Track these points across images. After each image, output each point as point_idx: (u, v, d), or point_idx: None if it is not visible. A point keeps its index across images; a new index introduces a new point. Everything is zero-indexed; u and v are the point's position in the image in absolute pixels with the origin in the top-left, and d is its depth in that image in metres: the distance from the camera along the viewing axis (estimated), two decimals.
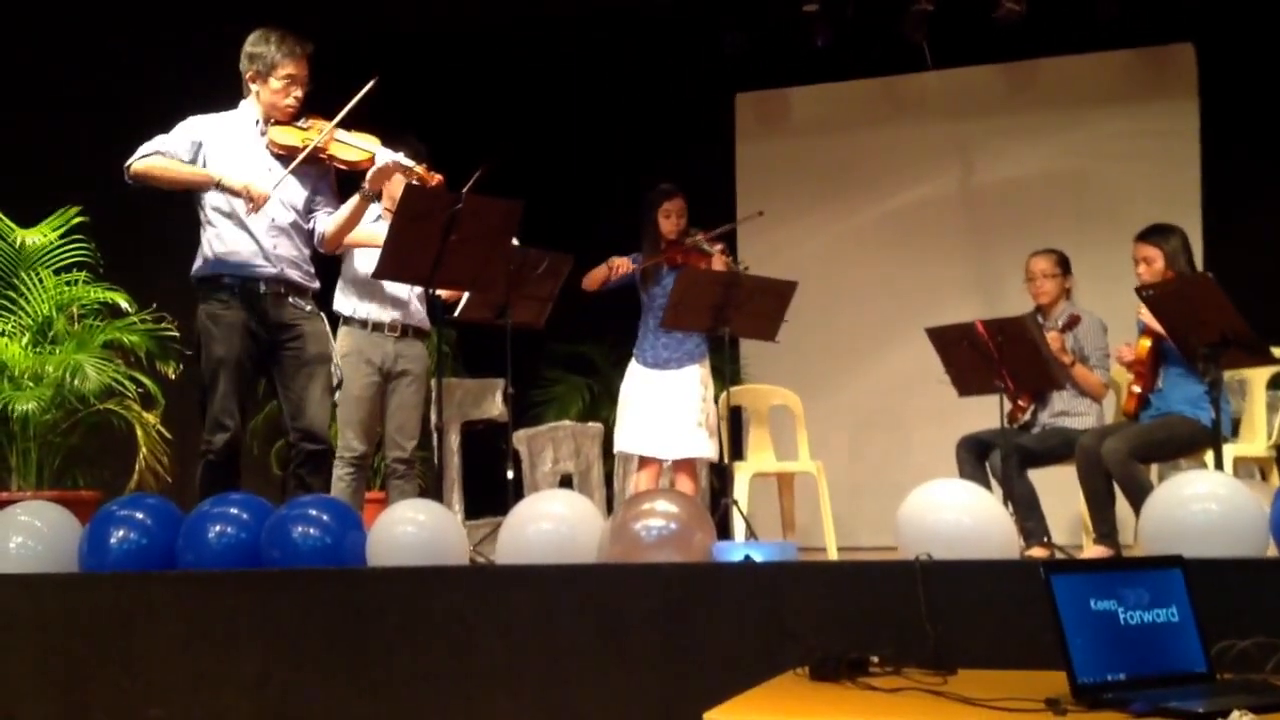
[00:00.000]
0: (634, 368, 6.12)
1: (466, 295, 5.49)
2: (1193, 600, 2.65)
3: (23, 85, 6.30)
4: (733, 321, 5.72)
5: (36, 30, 6.39)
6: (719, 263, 5.91)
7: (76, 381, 5.68)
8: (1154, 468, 5.57)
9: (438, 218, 4.60)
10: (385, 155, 4.73)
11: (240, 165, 4.69)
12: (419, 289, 5.47)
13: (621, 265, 5.97)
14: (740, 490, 6.18)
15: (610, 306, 6.33)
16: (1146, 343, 5.25)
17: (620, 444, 6.18)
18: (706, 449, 5.98)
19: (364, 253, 5.33)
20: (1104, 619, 2.57)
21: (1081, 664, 2.50)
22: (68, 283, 5.90)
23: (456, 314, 5.57)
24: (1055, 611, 2.53)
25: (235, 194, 4.60)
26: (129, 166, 4.60)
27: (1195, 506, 3.27)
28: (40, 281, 5.85)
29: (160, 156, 4.64)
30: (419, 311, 5.53)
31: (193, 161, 4.70)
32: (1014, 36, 7.99)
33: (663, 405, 5.96)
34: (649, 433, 5.99)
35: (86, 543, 4.16)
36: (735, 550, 3.72)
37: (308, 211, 4.83)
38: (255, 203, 4.59)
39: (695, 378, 6.02)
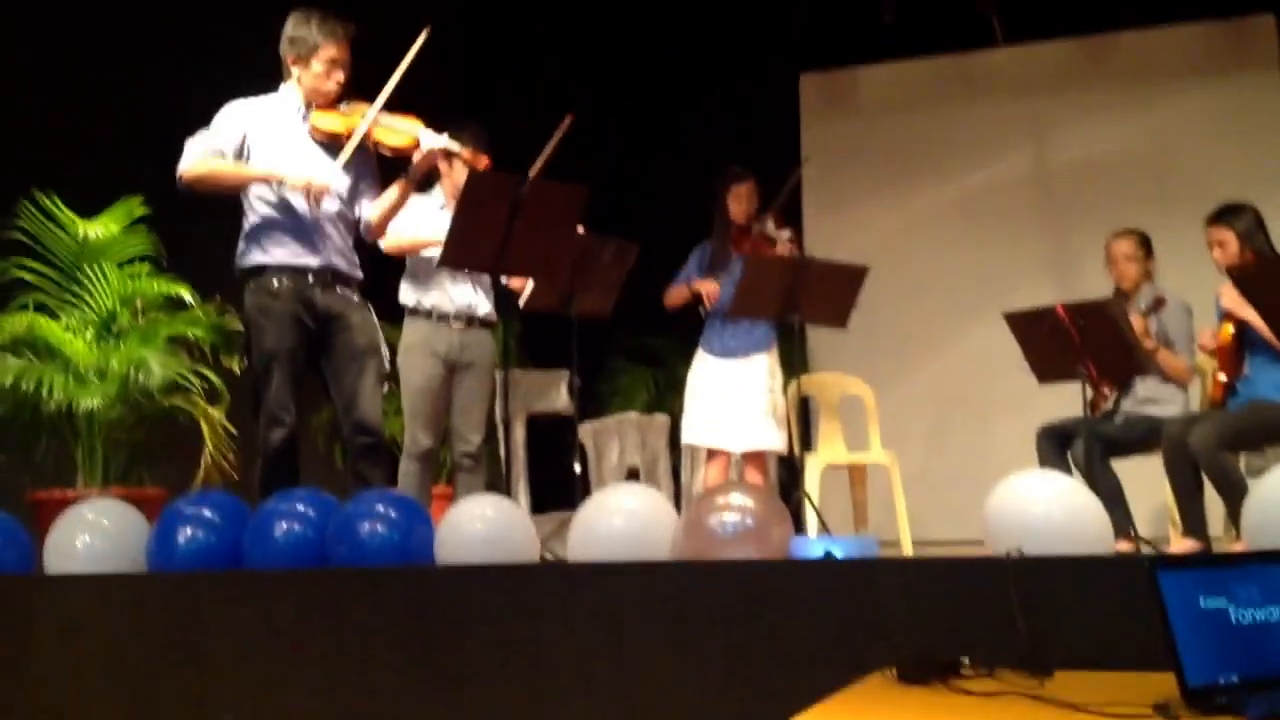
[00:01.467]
0: (701, 357, 6.01)
1: (531, 284, 5.41)
2: None
3: (83, 76, 6.28)
4: (802, 308, 5.58)
5: (96, 22, 6.37)
6: (784, 249, 5.78)
7: (141, 377, 5.64)
8: (1241, 457, 5.37)
9: (502, 203, 4.51)
10: (430, 139, 4.63)
11: (284, 153, 4.61)
12: (485, 278, 5.39)
13: (712, 292, 5.85)
14: (811, 482, 6.05)
15: None
16: (1229, 328, 5.07)
17: (687, 436, 6.07)
18: (775, 440, 5.86)
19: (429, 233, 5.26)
20: (1214, 618, 2.43)
21: (1192, 666, 2.36)
22: (131, 276, 5.86)
23: (521, 304, 5.49)
24: (1163, 610, 2.39)
25: (297, 190, 4.53)
26: (181, 175, 4.53)
27: None
28: (103, 274, 5.81)
29: (212, 159, 4.56)
30: (485, 302, 5.44)
31: (239, 154, 4.62)
32: (1087, 8, 7.83)
33: (731, 396, 5.85)
34: (717, 424, 5.88)
35: (154, 541, 4.11)
36: (815, 546, 3.60)
37: (352, 200, 4.75)
38: (317, 197, 4.52)
39: (764, 367, 5.89)
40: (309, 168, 4.57)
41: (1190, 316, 5.48)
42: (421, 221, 5.32)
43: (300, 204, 4.58)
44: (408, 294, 5.44)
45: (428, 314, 5.37)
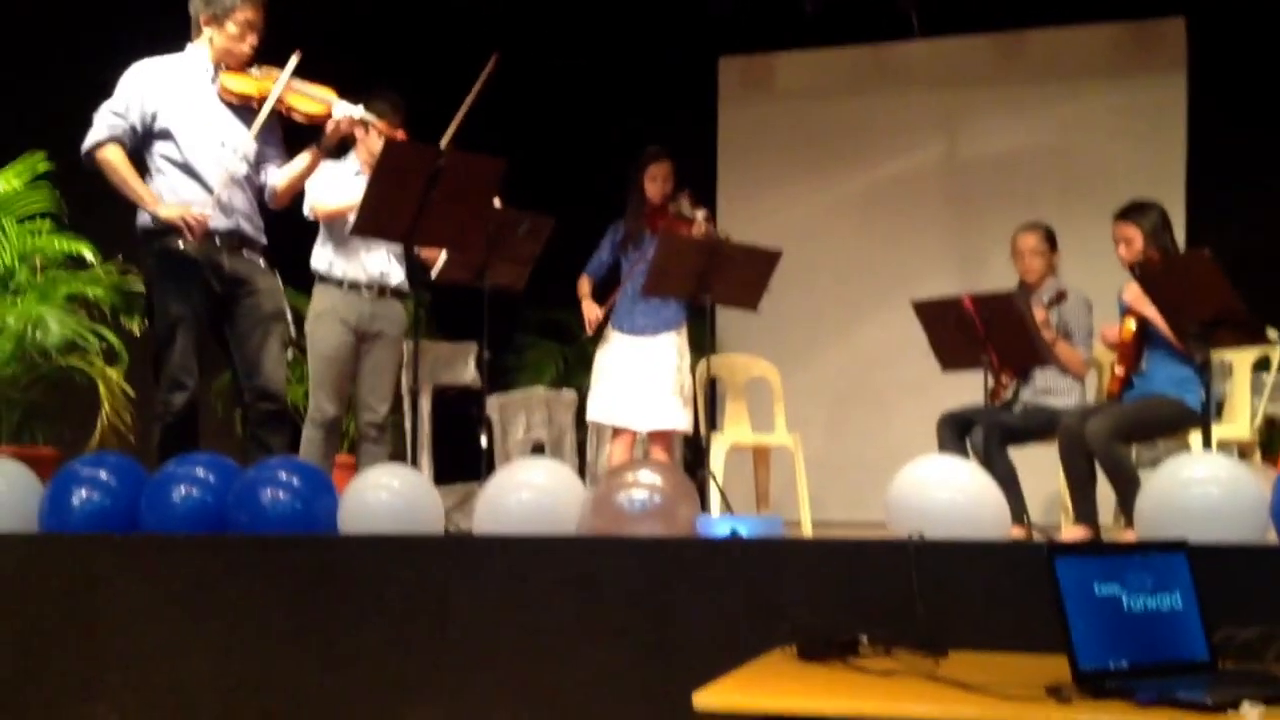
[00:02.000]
0: (612, 334, 6.02)
1: (444, 255, 5.37)
2: (1196, 587, 2.58)
3: None
4: (714, 289, 5.60)
5: None
6: (699, 229, 5.81)
7: (38, 335, 5.52)
8: (1133, 448, 5.51)
9: (418, 174, 4.47)
10: (343, 108, 4.57)
11: (192, 115, 4.54)
12: (398, 248, 5.34)
13: (592, 320, 5.96)
14: (716, 462, 6.08)
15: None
16: (1132, 324, 5.19)
17: (594, 413, 6.08)
18: (682, 420, 5.90)
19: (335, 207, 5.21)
20: (1107, 604, 2.49)
21: (1084, 650, 2.42)
22: (31, 232, 5.73)
23: (434, 275, 5.44)
24: (1058, 595, 2.44)
25: (173, 225, 4.46)
26: (89, 152, 4.46)
27: (1195, 490, 3.19)
28: (2, 230, 5.67)
29: (115, 147, 4.51)
30: (398, 272, 5.39)
31: (146, 125, 4.55)
32: (1003, 5, 7.91)
33: (639, 374, 5.87)
34: (624, 402, 5.90)
35: (48, 502, 4.04)
36: (720, 524, 3.63)
37: (258, 163, 4.68)
38: (194, 231, 4.45)
39: (672, 346, 5.93)
40: (216, 129, 4.49)
41: (1090, 311, 5.59)
42: (341, 187, 5.26)
43: (206, 165, 4.50)
44: (320, 260, 5.36)
45: (339, 282, 5.31)
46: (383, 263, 5.34)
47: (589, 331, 6.01)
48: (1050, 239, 5.71)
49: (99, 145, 4.47)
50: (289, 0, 4.67)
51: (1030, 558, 2.98)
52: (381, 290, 5.37)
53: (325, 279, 5.34)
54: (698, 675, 2.57)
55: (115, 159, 4.50)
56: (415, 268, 5.11)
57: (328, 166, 4.98)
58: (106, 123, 4.48)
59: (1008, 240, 5.83)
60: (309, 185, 5.13)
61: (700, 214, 5.85)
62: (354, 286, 5.30)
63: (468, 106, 4.67)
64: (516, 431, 6.92)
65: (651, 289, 5.63)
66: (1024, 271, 5.71)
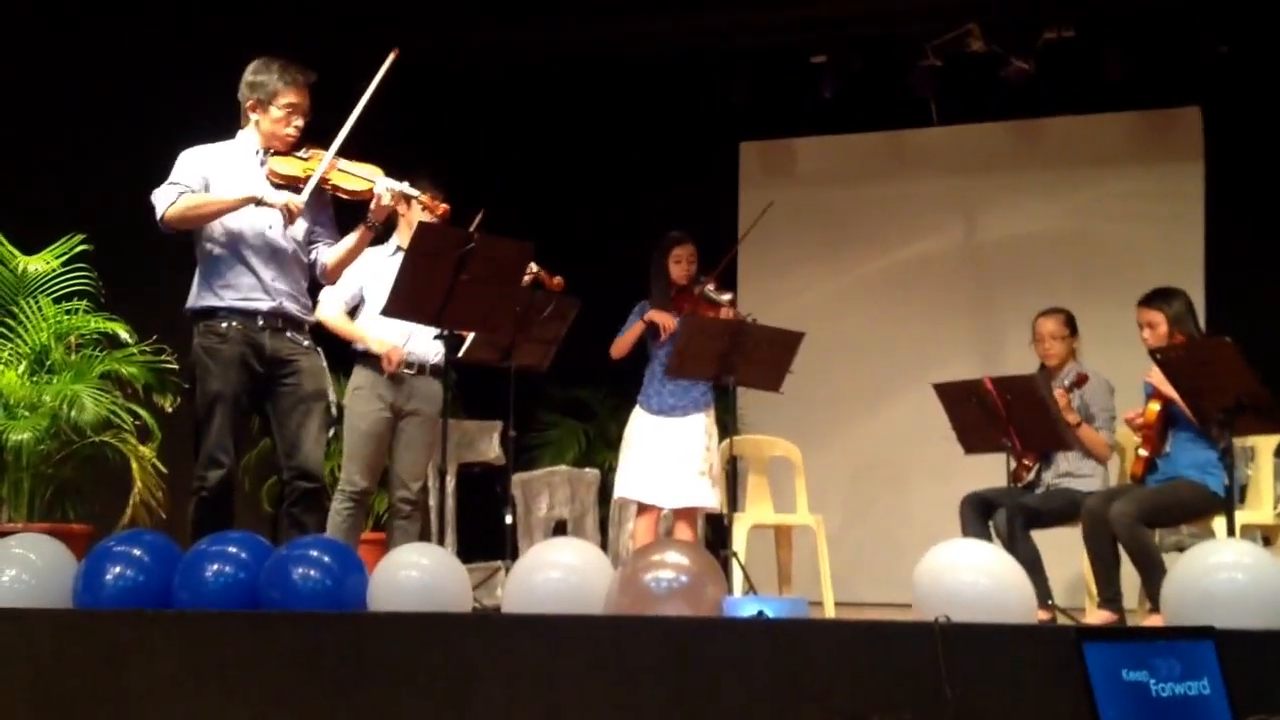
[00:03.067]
0: (639, 414, 6.07)
1: (471, 336, 5.44)
2: (1224, 672, 2.60)
3: (28, 111, 6.25)
4: (738, 371, 5.67)
5: (41, 56, 6.35)
6: (726, 312, 5.87)
7: (73, 412, 5.58)
8: (1156, 532, 5.52)
9: (449, 256, 4.56)
10: (386, 184, 4.66)
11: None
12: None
13: (667, 322, 5.90)
14: (738, 542, 6.10)
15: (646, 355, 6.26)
16: (1156, 407, 5.21)
17: (621, 490, 6.10)
18: (709, 499, 5.92)
19: (380, 289, 5.30)
20: (1136, 690, 2.52)
21: None
22: (67, 311, 5.80)
23: (460, 354, 5.52)
24: (1087, 681, 2.48)
25: (274, 207, 4.53)
26: (162, 218, 4.52)
27: (1222, 575, 3.21)
28: (39, 309, 5.76)
29: (189, 195, 4.54)
30: (436, 350, 5.45)
31: None
32: (1021, 95, 8.02)
33: (667, 453, 5.91)
34: (652, 480, 5.92)
35: (82, 578, 4.07)
36: (747, 605, 3.65)
37: (308, 243, 4.77)
38: (293, 215, 4.52)
39: (700, 426, 5.96)
40: (264, 212, 4.58)
41: (1112, 394, 5.63)
42: (367, 280, 5.39)
43: (254, 245, 4.58)
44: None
45: (378, 359, 5.39)
46: (425, 343, 5.41)
47: (668, 331, 5.93)
48: (1071, 324, 5.76)
49: (173, 203, 4.52)
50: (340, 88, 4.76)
51: (1058, 642, 3.00)
52: (420, 369, 5.45)
53: (365, 356, 5.42)
54: None
55: (191, 199, 4.53)
56: (454, 348, 5.17)
57: (368, 250, 5.05)
58: (171, 191, 4.55)
59: (1025, 324, 5.89)
60: (322, 297, 5.29)
61: (727, 297, 5.92)
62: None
63: (362, 107, 4.69)
64: (540, 509, 6.95)
65: (676, 371, 5.69)
66: (1044, 355, 5.76)
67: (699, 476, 5.88)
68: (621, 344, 6.01)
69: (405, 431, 5.43)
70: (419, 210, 4.97)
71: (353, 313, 5.52)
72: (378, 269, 5.35)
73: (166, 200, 4.52)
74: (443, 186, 5.09)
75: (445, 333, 4.90)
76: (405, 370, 5.41)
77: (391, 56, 4.64)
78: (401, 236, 5.46)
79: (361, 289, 5.47)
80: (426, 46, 7.87)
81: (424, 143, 7.77)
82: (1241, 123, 7.98)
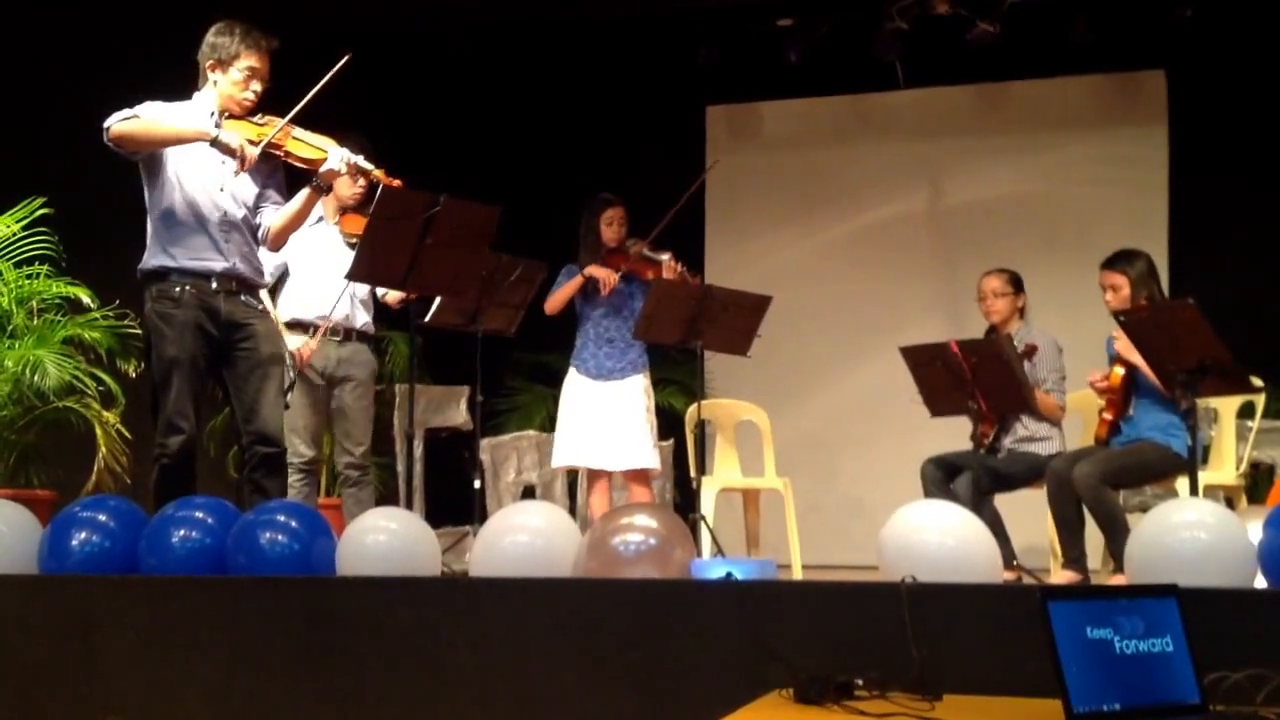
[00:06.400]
0: (574, 378, 6.07)
1: (438, 300, 5.43)
2: (1187, 630, 2.63)
3: None
4: (705, 335, 5.69)
5: (2, 22, 6.26)
6: (669, 270, 5.87)
7: (36, 377, 5.54)
8: (1120, 493, 5.57)
9: (415, 220, 4.54)
10: (340, 155, 4.62)
11: (195, 156, 4.57)
12: (361, 293, 5.41)
13: (607, 278, 5.89)
14: (706, 506, 6.13)
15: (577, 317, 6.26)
16: (1120, 371, 5.25)
17: (561, 458, 6.10)
18: (654, 460, 5.98)
19: (302, 255, 5.28)
20: (1099, 647, 2.54)
21: (1077, 693, 2.47)
22: (29, 276, 5.75)
23: (427, 319, 5.51)
24: (1052, 639, 2.49)
25: (229, 151, 4.45)
26: (108, 128, 4.43)
27: (1185, 534, 3.25)
28: (0, 274, 5.70)
29: (140, 119, 4.47)
30: (362, 314, 5.46)
31: (153, 162, 4.56)
32: (986, 58, 8.02)
33: (609, 416, 5.92)
34: (596, 445, 5.94)
35: (47, 544, 4.04)
36: (715, 567, 3.67)
37: (256, 207, 4.73)
38: (246, 160, 4.46)
39: (639, 388, 6.00)
40: (218, 172, 4.53)
41: (1060, 353, 5.63)
42: (291, 252, 5.37)
43: (206, 206, 4.53)
44: (286, 308, 5.45)
45: (305, 328, 5.38)
46: (346, 307, 5.41)
47: (609, 286, 5.90)
48: (1015, 282, 5.77)
49: (124, 120, 4.44)
50: (300, 50, 4.71)
51: (1023, 601, 3.02)
52: (347, 334, 5.45)
53: (292, 326, 5.41)
54: (693, 718, 2.61)
55: (143, 122, 4.45)
56: (381, 311, 5.17)
57: None
58: (128, 112, 4.45)
59: None
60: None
61: (666, 255, 5.92)
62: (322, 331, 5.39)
63: (309, 100, 4.65)
64: (508, 474, 6.95)
65: (642, 334, 5.70)
66: (988, 313, 5.77)
67: (643, 437, 5.92)
68: (556, 300, 6.00)
69: (340, 398, 5.49)
70: (349, 183, 4.92)
71: (279, 284, 5.50)
72: (302, 239, 5.29)
73: (120, 117, 4.43)
74: (370, 148, 5.02)
75: (376, 298, 4.87)
76: (333, 337, 5.44)
77: (344, 60, 4.58)
78: (326, 209, 5.44)
79: (285, 261, 5.45)
80: (387, 7, 7.84)
81: (384, 107, 7.71)
82: (1205, 86, 8.02)
